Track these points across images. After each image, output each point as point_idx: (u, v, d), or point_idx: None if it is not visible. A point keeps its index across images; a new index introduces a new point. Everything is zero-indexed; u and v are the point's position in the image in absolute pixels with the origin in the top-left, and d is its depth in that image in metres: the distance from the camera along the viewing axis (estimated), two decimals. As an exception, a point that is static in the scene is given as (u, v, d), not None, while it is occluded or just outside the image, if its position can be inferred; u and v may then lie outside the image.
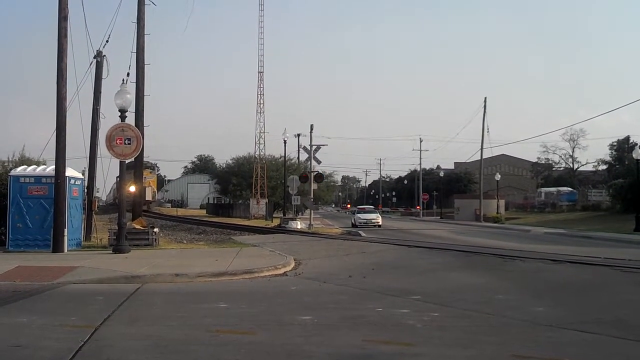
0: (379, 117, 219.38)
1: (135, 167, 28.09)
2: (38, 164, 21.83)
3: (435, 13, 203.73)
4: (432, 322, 8.62)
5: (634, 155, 38.47)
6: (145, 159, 58.17)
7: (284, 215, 47.20)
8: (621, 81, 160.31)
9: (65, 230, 18.33)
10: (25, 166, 20.36)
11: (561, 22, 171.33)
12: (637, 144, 48.69)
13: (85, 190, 22.01)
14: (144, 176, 52.21)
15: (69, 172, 19.07)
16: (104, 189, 42.89)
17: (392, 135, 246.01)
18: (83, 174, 22.26)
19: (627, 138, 70.97)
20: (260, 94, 60.96)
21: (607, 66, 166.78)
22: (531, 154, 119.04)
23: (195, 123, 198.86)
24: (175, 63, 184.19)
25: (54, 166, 18.82)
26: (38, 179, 18.70)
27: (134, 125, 20.74)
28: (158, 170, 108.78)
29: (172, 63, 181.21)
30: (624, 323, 8.51)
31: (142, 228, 21.36)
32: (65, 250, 18.20)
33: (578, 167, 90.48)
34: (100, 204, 41.38)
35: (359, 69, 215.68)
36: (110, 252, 17.85)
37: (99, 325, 8.00)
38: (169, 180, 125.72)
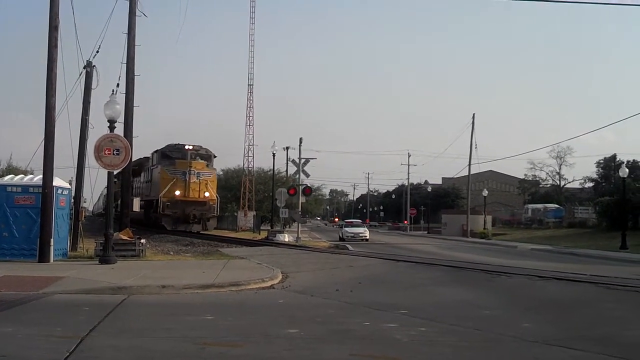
0: (367, 131, 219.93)
1: (123, 178, 27.96)
2: (25, 173, 21.77)
3: (426, 28, 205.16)
4: (419, 337, 8.63)
5: (620, 174, 38.81)
6: (194, 144, 40.39)
7: (272, 227, 47.15)
8: (608, 100, 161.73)
9: (52, 240, 18.18)
10: (12, 175, 20.25)
11: (550, 41, 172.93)
12: (623, 162, 49.24)
13: (73, 200, 21.88)
14: (196, 172, 38.36)
15: (57, 182, 18.98)
16: (91, 199, 39.37)
17: (380, 149, 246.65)
18: (70, 184, 22.14)
19: (614, 156, 71.52)
20: (250, 107, 61.04)
21: (595, 84, 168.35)
22: (519, 171, 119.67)
23: (184, 134, 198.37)
24: (164, 73, 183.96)
25: (41, 176, 18.72)
26: (25, 188, 18.58)
27: (122, 135, 20.68)
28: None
29: (161, 73, 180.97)
30: (610, 340, 8.57)
31: (128, 239, 21.24)
32: (52, 260, 18.05)
33: (565, 184, 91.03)
34: (88, 214, 40.05)
35: (348, 83, 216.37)
36: (97, 262, 17.73)
37: (85, 336, 7.95)
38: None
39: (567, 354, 7.62)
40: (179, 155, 39.27)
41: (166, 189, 36.94)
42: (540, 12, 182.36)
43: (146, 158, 44.69)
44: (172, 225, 37.10)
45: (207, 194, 38.79)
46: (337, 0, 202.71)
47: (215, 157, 42.90)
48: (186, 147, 40.01)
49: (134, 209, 29.44)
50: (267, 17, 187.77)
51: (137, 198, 39.40)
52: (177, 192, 37.20)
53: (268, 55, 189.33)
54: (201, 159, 39.90)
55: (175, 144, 40.44)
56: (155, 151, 41.07)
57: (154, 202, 38.57)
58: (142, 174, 45.36)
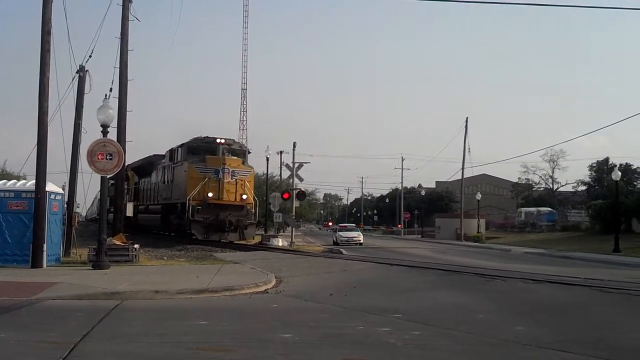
0: (361, 135, 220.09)
1: (116, 182, 27.82)
2: (18, 178, 21.66)
3: (419, 33, 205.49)
4: (413, 340, 8.63)
5: (613, 177, 39.00)
6: (226, 137, 34.64)
7: (266, 232, 47.05)
8: (601, 103, 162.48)
9: (45, 245, 18.11)
10: (5, 180, 20.18)
11: (543, 44, 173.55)
12: (616, 166, 49.42)
13: (66, 205, 21.82)
14: (230, 170, 31.87)
15: (49, 187, 18.91)
16: (84, 204, 37.78)
17: (374, 153, 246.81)
18: (63, 189, 22.08)
19: (607, 159, 71.68)
20: (244, 111, 61.07)
21: (588, 87, 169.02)
22: (512, 174, 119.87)
23: (178, 138, 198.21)
24: (158, 77, 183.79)
25: (34, 181, 18.66)
26: (18, 193, 18.52)
27: (116, 140, 20.65)
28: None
29: (155, 77, 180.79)
30: (603, 343, 8.60)
31: (122, 244, 21.17)
32: (44, 265, 17.99)
33: (558, 188, 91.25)
34: (81, 219, 38.91)
35: (341, 86, 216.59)
36: (90, 268, 17.67)
37: (78, 342, 7.92)
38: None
39: (560, 357, 7.64)
40: (208, 151, 33.71)
41: (196, 191, 31.43)
42: (534, 15, 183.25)
43: (157, 156, 40.40)
44: (204, 233, 31.80)
45: (244, 197, 33.19)
46: (331, 3, 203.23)
47: (249, 152, 37.53)
48: (217, 140, 34.24)
49: (127, 214, 29.04)
50: (261, 20, 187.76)
51: (131, 203, 36.92)
52: (210, 194, 31.86)
53: (262, 59, 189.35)
54: (233, 155, 34.11)
55: (204, 137, 34.98)
56: (180, 145, 35.22)
57: (178, 206, 33.23)
58: (155, 174, 40.24)
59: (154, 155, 41.48)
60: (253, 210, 34.19)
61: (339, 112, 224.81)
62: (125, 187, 44.79)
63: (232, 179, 32.50)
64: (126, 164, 42.62)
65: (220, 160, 32.61)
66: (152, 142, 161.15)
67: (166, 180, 36.85)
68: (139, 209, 41.86)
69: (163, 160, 38.35)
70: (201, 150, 33.82)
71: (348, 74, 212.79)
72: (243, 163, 34.57)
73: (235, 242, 32.44)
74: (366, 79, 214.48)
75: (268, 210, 45.24)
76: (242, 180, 33.18)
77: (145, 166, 41.87)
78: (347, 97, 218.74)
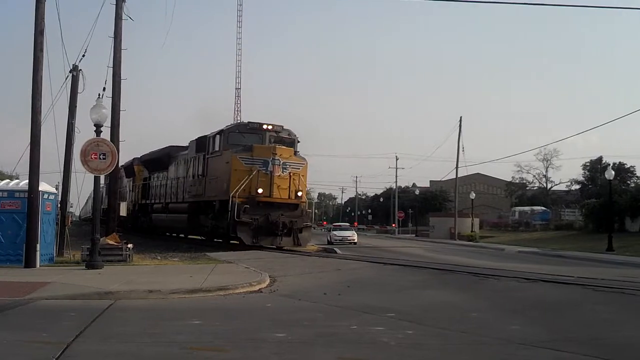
0: (356, 135, 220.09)
1: (110, 181, 27.72)
2: (11, 178, 21.57)
3: (414, 34, 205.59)
4: (406, 340, 8.64)
5: (606, 176, 39.11)
6: (273, 123, 29.81)
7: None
8: (595, 101, 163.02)
9: (38, 245, 18.05)
10: (-2, 180, 20.12)
11: (537, 43, 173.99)
12: (609, 165, 49.60)
13: (59, 205, 21.75)
14: (281, 161, 27.38)
15: (43, 186, 18.85)
16: (77, 203, 36.83)
17: (369, 153, 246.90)
18: (57, 189, 22.01)
19: (600, 159, 71.95)
20: (238, 111, 61.02)
21: (582, 86, 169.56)
22: (506, 173, 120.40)
23: (171, 138, 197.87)
24: (152, 76, 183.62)
25: (27, 181, 18.60)
26: (11, 193, 18.45)
27: (109, 140, 20.60)
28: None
29: (149, 76, 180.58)
30: (597, 341, 8.62)
31: (115, 244, 21.11)
32: (38, 265, 17.93)
33: (551, 187, 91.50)
34: (74, 219, 37.97)
35: (335, 86, 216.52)
36: (83, 267, 17.62)
37: (71, 342, 7.89)
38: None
39: (555, 356, 7.65)
40: (254, 139, 28.83)
41: (241, 186, 26.83)
42: (528, 14, 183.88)
43: (176, 147, 36.78)
44: (252, 237, 27.03)
45: (299, 193, 28.50)
46: (324, 4, 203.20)
47: (299, 142, 30.96)
48: (264, 126, 29.25)
49: (121, 214, 28.72)
50: (256, 20, 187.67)
51: (124, 202, 33.29)
52: (260, 190, 27.18)
53: (257, 58, 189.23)
54: (282, 144, 28.99)
55: (247, 123, 30.42)
56: (218, 132, 30.27)
57: (215, 205, 29.17)
58: (174, 168, 36.01)
59: (170, 146, 37.89)
60: (309, 210, 30.14)
61: (335, 112, 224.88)
62: (131, 183, 44.20)
63: (283, 172, 28.05)
64: (135, 157, 41.86)
65: (270, 150, 27.95)
66: (146, 142, 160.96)
67: (195, 174, 32.34)
68: (154, 207, 39.00)
69: (185, 152, 34.58)
70: (243, 138, 29.25)
71: (342, 73, 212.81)
72: (295, 154, 29.62)
73: (286, 248, 28.16)
74: (361, 79, 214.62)
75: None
76: (295, 173, 28.51)
77: (161, 159, 38.10)
78: (343, 96, 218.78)
